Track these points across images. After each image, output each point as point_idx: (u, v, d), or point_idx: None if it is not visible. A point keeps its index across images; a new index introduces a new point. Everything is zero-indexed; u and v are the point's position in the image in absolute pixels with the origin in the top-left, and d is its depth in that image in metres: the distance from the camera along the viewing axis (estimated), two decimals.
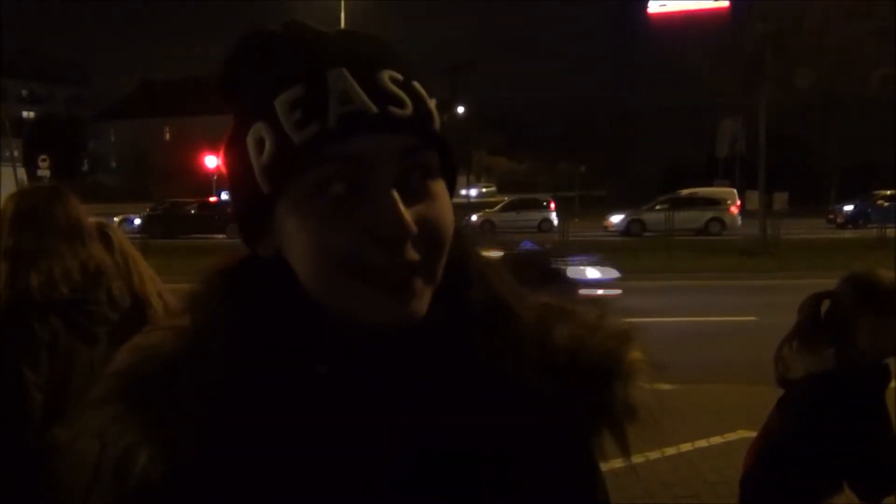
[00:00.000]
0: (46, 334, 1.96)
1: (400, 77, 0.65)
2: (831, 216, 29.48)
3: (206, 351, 0.67)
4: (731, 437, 5.10)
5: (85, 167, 74.16)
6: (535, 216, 29.34)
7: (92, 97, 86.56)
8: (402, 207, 0.62)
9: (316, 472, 0.65)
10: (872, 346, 2.08)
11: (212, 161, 43.75)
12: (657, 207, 27.02)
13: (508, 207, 30.70)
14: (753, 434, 2.40)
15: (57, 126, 69.88)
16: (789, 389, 2.22)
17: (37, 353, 1.95)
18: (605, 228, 27.08)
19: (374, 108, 0.62)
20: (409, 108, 0.64)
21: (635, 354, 0.74)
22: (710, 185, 32.66)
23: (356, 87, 0.63)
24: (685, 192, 30.03)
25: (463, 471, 0.67)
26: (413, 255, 0.64)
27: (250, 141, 0.66)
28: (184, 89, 70.73)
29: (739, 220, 25.89)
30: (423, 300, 0.65)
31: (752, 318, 9.40)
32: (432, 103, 0.67)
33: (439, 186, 0.67)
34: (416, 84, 0.66)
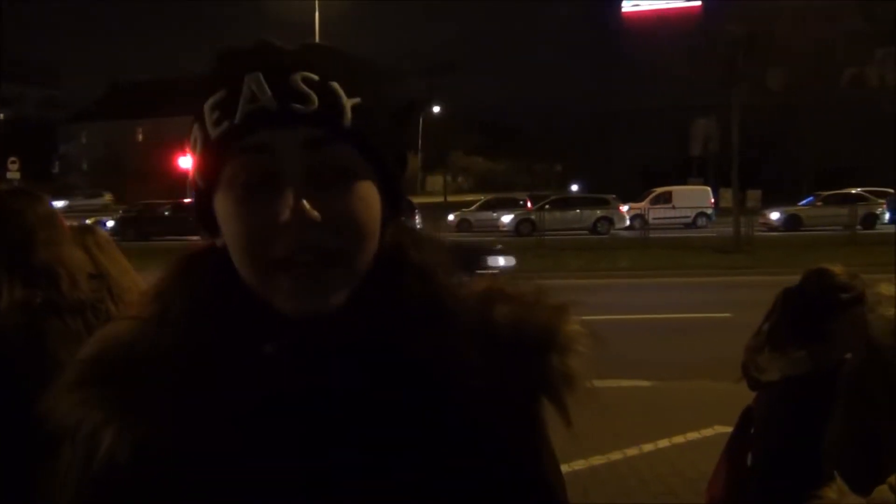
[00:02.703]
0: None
1: (315, 77, 0.70)
2: None
3: (162, 337, 0.73)
4: (708, 433, 5.14)
5: (56, 169, 73.10)
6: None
7: (63, 99, 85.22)
8: (301, 195, 0.67)
9: (269, 447, 0.69)
10: (850, 341, 2.09)
11: (185, 162, 43.21)
12: (546, 207, 27.50)
13: (485, 206, 30.69)
14: (730, 430, 2.41)
15: (27, 128, 68.80)
16: (764, 392, 2.22)
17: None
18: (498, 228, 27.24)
19: (276, 105, 0.68)
20: (314, 104, 0.69)
21: (572, 326, 0.77)
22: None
23: (265, 87, 0.69)
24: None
25: (404, 445, 0.71)
26: (321, 242, 0.68)
27: (190, 141, 0.74)
28: (156, 90, 69.89)
29: (627, 220, 26.42)
30: (336, 291, 0.69)
31: (727, 315, 9.49)
32: (351, 102, 0.71)
33: (357, 182, 0.71)
34: (335, 84, 0.71)
